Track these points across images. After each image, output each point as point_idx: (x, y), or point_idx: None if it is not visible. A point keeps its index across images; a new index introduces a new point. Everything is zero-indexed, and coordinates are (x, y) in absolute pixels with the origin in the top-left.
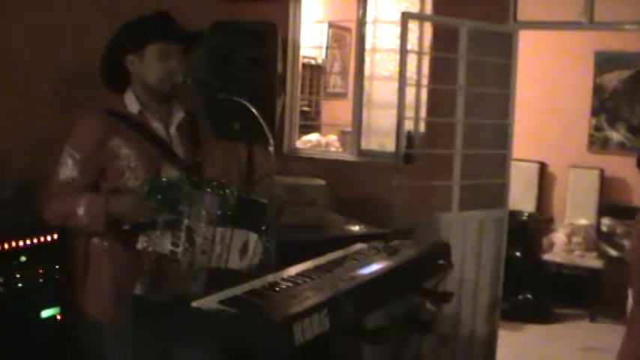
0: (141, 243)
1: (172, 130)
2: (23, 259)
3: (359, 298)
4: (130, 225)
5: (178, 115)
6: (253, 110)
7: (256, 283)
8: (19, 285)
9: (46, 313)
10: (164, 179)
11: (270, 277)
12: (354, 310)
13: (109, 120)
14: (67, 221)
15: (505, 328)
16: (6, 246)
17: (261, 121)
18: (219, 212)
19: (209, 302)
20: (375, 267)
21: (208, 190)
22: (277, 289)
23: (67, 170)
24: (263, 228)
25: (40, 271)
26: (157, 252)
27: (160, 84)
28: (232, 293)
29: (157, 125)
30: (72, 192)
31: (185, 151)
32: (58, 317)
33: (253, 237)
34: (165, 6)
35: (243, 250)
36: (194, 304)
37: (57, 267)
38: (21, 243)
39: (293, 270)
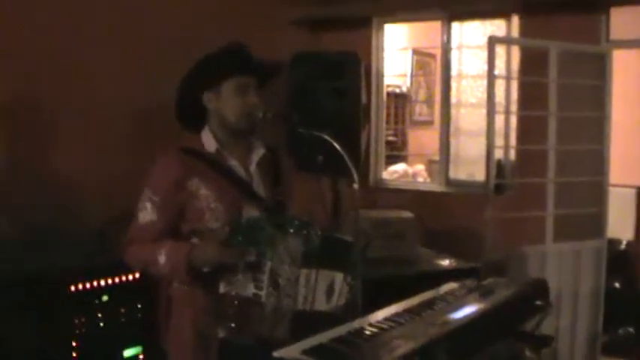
0: (223, 287)
1: (252, 167)
2: (105, 298)
3: (452, 346)
4: (210, 268)
5: (258, 152)
6: (335, 144)
7: (342, 330)
8: (101, 324)
9: (128, 353)
10: (245, 220)
11: (357, 323)
12: (447, 358)
13: (187, 160)
14: (147, 268)
15: None
16: (88, 285)
17: (344, 155)
18: (302, 253)
19: (292, 352)
20: (468, 310)
21: (291, 230)
22: (365, 335)
23: (147, 214)
24: (348, 267)
25: (122, 310)
26: (240, 295)
27: (239, 120)
28: (317, 341)
29: (235, 164)
30: (152, 236)
31: (266, 189)
32: (141, 357)
33: (339, 277)
34: (246, 38)
35: (329, 291)
36: (276, 354)
37: (139, 306)
38: (102, 282)
39: (381, 314)
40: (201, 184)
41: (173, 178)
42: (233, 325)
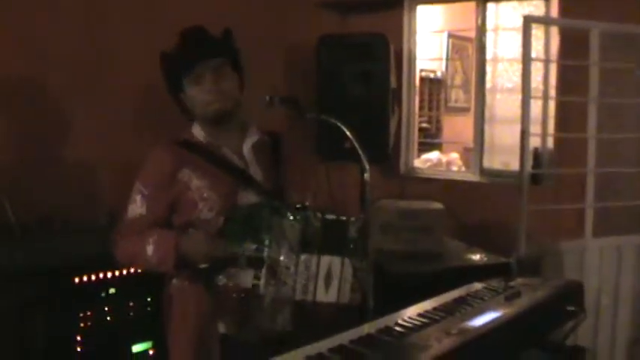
0: (221, 280)
1: (246, 153)
2: (112, 291)
3: (466, 359)
4: (207, 263)
5: (252, 138)
6: (345, 130)
7: (343, 338)
8: (108, 318)
9: (137, 348)
10: (241, 207)
11: (366, 327)
12: None
13: (178, 151)
14: (136, 261)
15: None
16: (93, 277)
17: (355, 143)
18: (301, 238)
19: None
20: (489, 316)
21: (289, 214)
22: (369, 344)
23: (137, 207)
24: (345, 248)
25: (131, 304)
26: (239, 287)
27: (205, 112)
28: (315, 350)
29: (227, 151)
30: (141, 230)
31: (264, 174)
32: (151, 352)
33: (336, 261)
34: (272, 20)
35: (327, 278)
36: None
37: (149, 300)
38: (110, 274)
39: (392, 319)
40: (192, 175)
41: (164, 170)
42: (233, 318)
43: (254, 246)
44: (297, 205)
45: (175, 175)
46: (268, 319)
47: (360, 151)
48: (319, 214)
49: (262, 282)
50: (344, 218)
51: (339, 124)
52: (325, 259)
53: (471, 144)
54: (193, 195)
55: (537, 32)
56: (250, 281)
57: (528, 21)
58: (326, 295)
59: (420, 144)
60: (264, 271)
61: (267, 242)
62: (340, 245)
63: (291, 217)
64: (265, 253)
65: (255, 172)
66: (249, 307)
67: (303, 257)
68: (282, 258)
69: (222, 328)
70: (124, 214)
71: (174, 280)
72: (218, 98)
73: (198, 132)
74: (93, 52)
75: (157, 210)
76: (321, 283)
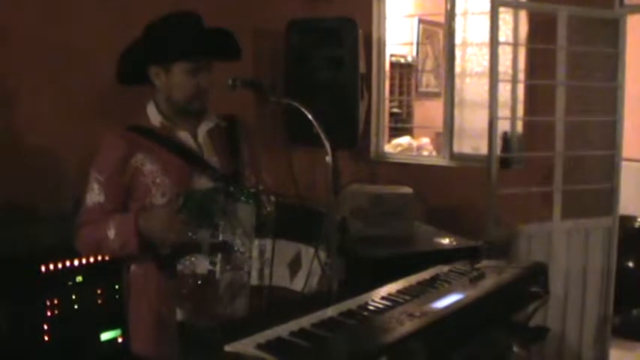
0: (179, 266)
1: (200, 138)
2: (79, 279)
3: (429, 341)
4: (168, 249)
5: (207, 124)
6: (307, 114)
7: (305, 321)
8: (76, 307)
9: (105, 336)
10: (195, 191)
11: (329, 311)
12: (421, 356)
13: (131, 137)
14: (99, 248)
15: (617, 347)
16: (60, 265)
17: (317, 126)
18: (255, 221)
19: (245, 346)
20: (453, 298)
21: (242, 197)
22: (331, 327)
23: (94, 195)
24: (318, 239)
25: (99, 291)
26: (196, 273)
27: (189, 102)
28: (275, 334)
29: (184, 135)
30: (101, 218)
31: (220, 159)
32: (119, 340)
33: (306, 250)
34: (238, 4)
35: (294, 265)
36: (228, 347)
37: (116, 287)
38: (76, 262)
39: (355, 302)
40: (145, 160)
41: (117, 156)
42: (190, 305)
43: (209, 231)
44: (252, 189)
45: (129, 160)
46: (225, 305)
47: (323, 136)
48: (272, 198)
49: (218, 267)
50: (319, 209)
51: (301, 108)
52: (287, 245)
53: (441, 129)
54: (146, 180)
55: (506, 16)
56: (206, 267)
57: (496, 5)
58: (291, 283)
59: (391, 129)
60: (219, 256)
61: (221, 227)
62: (308, 234)
63: (244, 200)
64: (220, 239)
65: (211, 157)
66: (205, 294)
67: (257, 242)
68: (236, 243)
69: (180, 315)
70: (83, 203)
71: (132, 267)
72: (203, 97)
73: (153, 114)
74: (54, 36)
75: (115, 196)
76: (282, 269)
